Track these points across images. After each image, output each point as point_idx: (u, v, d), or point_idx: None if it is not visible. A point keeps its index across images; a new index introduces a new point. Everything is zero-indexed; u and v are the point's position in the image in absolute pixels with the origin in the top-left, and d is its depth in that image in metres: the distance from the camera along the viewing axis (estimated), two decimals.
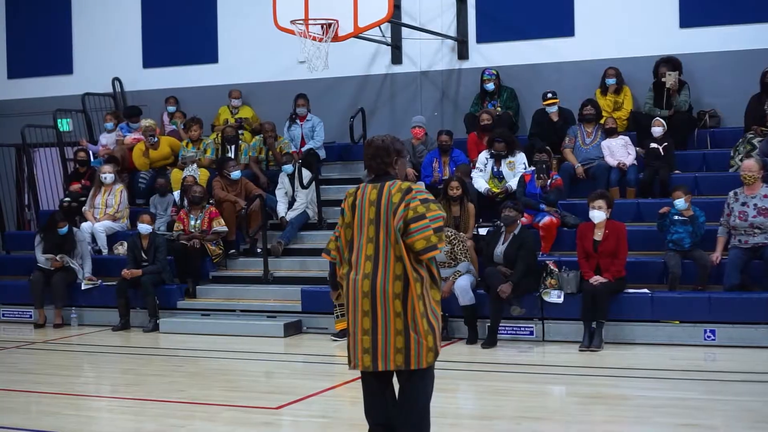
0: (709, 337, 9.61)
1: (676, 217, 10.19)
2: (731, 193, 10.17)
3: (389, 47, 13.98)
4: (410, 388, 5.40)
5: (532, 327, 10.21)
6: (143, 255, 12.07)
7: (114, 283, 12.16)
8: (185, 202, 12.71)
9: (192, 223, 12.40)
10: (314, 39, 11.48)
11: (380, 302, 5.30)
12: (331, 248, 5.59)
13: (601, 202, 9.91)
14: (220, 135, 14.05)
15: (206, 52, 15.23)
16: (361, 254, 5.35)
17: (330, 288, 10.55)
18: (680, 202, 10.13)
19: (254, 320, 11.41)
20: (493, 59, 13.49)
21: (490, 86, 12.98)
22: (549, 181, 11.19)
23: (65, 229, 12.39)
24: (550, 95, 12.33)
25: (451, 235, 10.38)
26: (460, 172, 11.57)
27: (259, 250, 12.43)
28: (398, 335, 5.30)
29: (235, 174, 12.82)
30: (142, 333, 11.57)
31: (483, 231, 10.87)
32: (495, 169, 11.83)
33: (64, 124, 15.62)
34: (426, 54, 13.97)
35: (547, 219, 10.92)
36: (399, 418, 5.42)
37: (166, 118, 15.09)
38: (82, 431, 6.98)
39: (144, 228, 12.08)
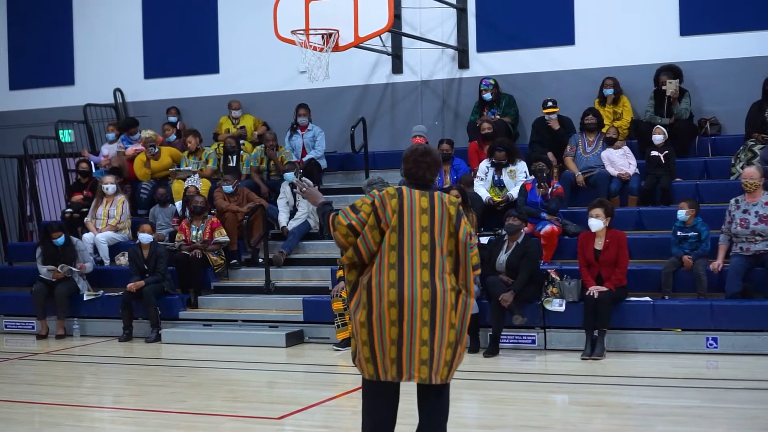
0: (711, 344, 9.60)
1: (678, 233, 10.22)
2: (732, 201, 10.17)
3: (390, 57, 14.01)
4: (443, 399, 5.35)
5: (534, 336, 10.21)
6: (144, 265, 12.07)
7: (116, 294, 12.17)
8: (187, 213, 12.73)
9: (194, 233, 12.41)
10: (315, 49, 11.50)
11: (439, 312, 5.17)
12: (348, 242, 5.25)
13: (598, 211, 9.90)
14: (221, 145, 14.08)
15: (207, 62, 15.26)
16: (416, 261, 5.18)
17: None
18: (681, 213, 10.17)
19: (256, 330, 11.40)
20: (494, 68, 13.52)
21: (488, 96, 13.00)
22: (550, 189, 11.20)
23: (61, 240, 12.34)
24: (550, 103, 12.34)
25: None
26: (463, 183, 11.57)
27: (260, 260, 12.43)
28: (449, 348, 5.21)
29: (226, 188, 12.83)
30: (144, 343, 11.56)
31: (484, 240, 10.87)
32: (496, 178, 11.84)
33: (66, 135, 15.65)
34: (426, 63, 13.99)
35: (548, 227, 10.92)
36: (431, 428, 5.34)
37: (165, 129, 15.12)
38: None
39: (144, 237, 12.09)
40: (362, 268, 5.31)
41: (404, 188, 5.31)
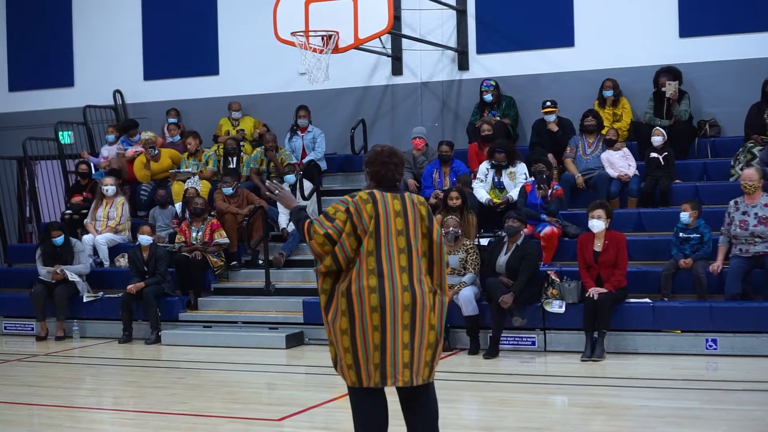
0: (710, 346, 9.61)
1: (681, 234, 10.23)
2: (732, 203, 10.18)
3: (390, 58, 14.01)
4: (431, 399, 5.36)
5: (533, 337, 10.21)
6: (144, 267, 12.08)
7: (116, 295, 12.18)
8: (187, 214, 12.73)
9: (194, 235, 12.42)
10: (315, 51, 11.51)
11: (419, 315, 5.19)
12: (326, 251, 5.22)
13: (600, 212, 9.92)
14: (221, 147, 14.09)
15: (207, 64, 15.27)
16: (395, 265, 5.19)
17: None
18: (684, 216, 10.18)
19: (256, 332, 11.41)
20: (494, 70, 13.52)
21: (489, 97, 13.01)
22: (549, 191, 11.21)
23: (60, 239, 12.35)
24: (549, 104, 12.34)
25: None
26: (461, 183, 11.59)
27: (260, 262, 12.43)
28: (429, 348, 5.23)
29: (226, 190, 12.84)
30: (144, 345, 11.57)
31: (484, 242, 10.87)
32: (496, 180, 11.84)
33: (66, 137, 15.65)
34: (426, 65, 14.00)
35: (548, 229, 10.93)
36: (425, 428, 5.36)
37: (167, 130, 15.12)
38: None
39: (144, 239, 12.10)
40: (337, 275, 5.29)
41: (376, 192, 5.31)
